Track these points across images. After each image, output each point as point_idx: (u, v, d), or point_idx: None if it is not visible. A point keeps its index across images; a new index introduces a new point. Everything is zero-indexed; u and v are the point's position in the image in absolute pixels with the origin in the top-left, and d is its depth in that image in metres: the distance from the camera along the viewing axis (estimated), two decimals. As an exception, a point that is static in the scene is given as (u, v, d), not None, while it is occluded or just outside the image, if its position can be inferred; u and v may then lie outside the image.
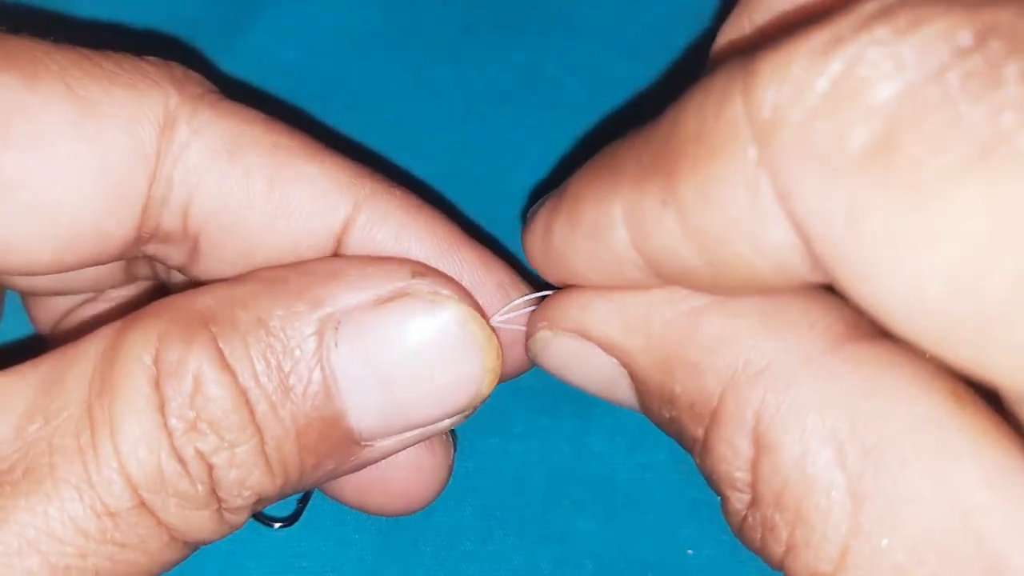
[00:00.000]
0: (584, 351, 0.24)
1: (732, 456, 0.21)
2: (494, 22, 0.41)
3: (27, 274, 0.25)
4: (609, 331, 0.23)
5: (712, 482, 0.22)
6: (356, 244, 0.26)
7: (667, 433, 0.24)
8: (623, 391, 0.24)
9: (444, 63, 0.40)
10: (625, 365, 0.23)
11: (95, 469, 0.21)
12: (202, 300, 0.24)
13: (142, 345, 0.22)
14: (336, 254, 0.26)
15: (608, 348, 0.23)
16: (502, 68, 0.40)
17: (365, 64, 0.40)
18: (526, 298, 0.27)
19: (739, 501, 0.21)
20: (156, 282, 0.31)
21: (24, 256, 0.24)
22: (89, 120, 0.24)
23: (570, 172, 0.38)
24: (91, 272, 0.28)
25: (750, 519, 0.21)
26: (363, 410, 0.24)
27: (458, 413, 0.25)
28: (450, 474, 0.30)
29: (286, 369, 0.23)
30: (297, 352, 0.23)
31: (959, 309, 0.16)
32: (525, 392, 0.34)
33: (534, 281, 0.27)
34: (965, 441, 0.18)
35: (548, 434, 0.33)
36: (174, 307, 0.24)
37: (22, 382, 0.22)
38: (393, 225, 0.26)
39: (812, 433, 0.19)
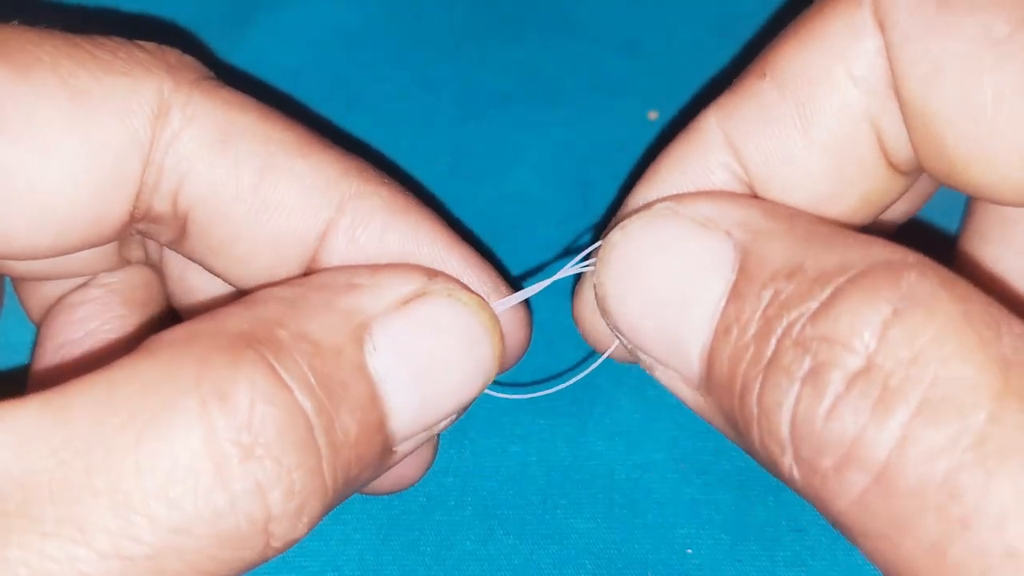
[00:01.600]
0: (700, 237, 0.24)
1: (869, 314, 0.20)
2: (494, 22, 0.41)
3: (26, 259, 0.25)
4: (749, 214, 0.24)
5: (789, 361, 0.21)
6: (340, 245, 0.26)
7: (718, 342, 0.23)
8: (707, 290, 0.23)
9: (444, 63, 0.40)
10: (745, 245, 0.23)
11: (109, 508, 0.19)
12: (232, 323, 0.23)
13: (178, 373, 0.21)
14: (317, 250, 0.26)
15: (737, 227, 0.24)
16: (502, 68, 0.40)
17: (365, 64, 0.40)
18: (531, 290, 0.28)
19: (845, 367, 0.20)
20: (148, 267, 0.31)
21: (23, 243, 0.25)
22: (82, 110, 0.24)
23: (569, 172, 0.38)
24: (85, 256, 0.28)
25: (860, 388, 0.20)
26: (400, 410, 0.24)
27: (470, 401, 0.26)
28: (434, 457, 0.30)
29: (335, 379, 0.22)
30: (343, 362, 0.23)
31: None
32: (524, 393, 0.34)
33: (516, 286, 0.28)
34: None
35: (547, 435, 0.33)
36: (203, 333, 0.22)
37: (22, 410, 0.20)
38: (377, 226, 0.26)
39: (972, 300, 0.20)
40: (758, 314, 0.22)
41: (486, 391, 0.30)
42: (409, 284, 0.25)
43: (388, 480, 0.29)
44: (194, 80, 0.26)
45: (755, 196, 0.26)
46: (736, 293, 0.23)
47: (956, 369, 0.19)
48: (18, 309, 0.32)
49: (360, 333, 0.24)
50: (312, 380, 0.22)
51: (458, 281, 0.27)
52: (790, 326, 0.21)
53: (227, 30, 0.40)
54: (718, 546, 0.32)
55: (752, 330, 0.22)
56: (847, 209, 0.25)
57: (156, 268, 0.31)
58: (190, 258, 0.27)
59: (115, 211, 0.25)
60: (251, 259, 0.26)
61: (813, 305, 0.21)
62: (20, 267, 0.28)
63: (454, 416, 0.26)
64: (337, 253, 0.26)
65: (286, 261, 0.26)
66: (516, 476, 0.33)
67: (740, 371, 0.22)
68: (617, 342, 0.27)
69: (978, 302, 0.20)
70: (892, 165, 0.25)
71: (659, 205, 0.25)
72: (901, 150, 0.24)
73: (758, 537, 0.32)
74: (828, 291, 0.21)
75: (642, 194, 0.27)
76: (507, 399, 0.33)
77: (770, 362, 0.21)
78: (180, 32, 0.39)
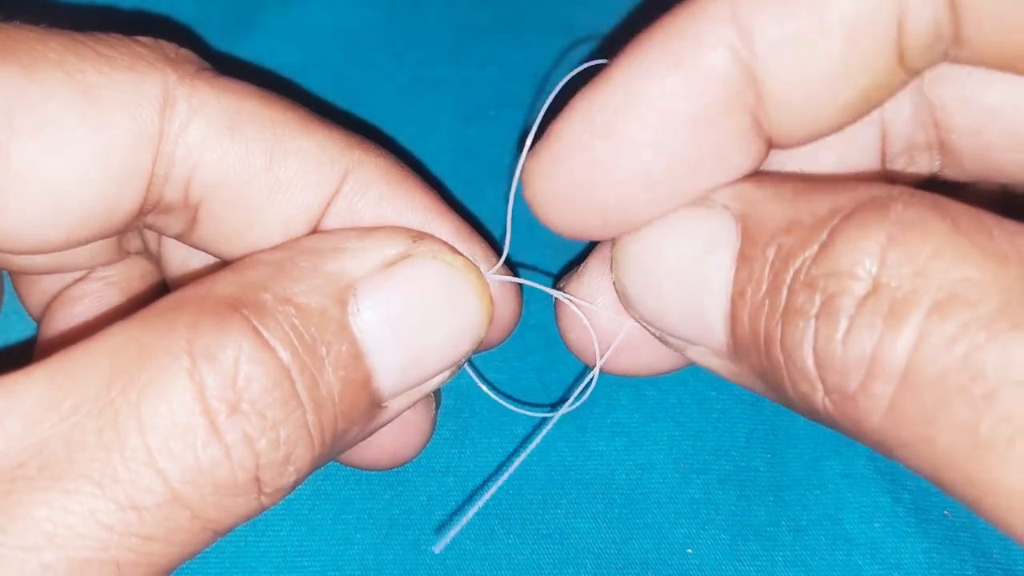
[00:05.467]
0: (698, 214, 0.25)
1: (866, 240, 0.21)
2: (494, 23, 0.41)
3: (38, 252, 0.26)
4: (739, 187, 0.25)
5: (803, 302, 0.22)
6: (338, 211, 0.27)
7: (736, 307, 0.24)
8: (716, 263, 0.24)
9: (445, 64, 0.40)
10: (743, 214, 0.24)
11: (121, 464, 0.21)
12: (220, 288, 0.24)
13: (171, 338, 0.22)
14: (320, 221, 0.27)
15: (732, 199, 0.24)
16: (502, 69, 0.40)
17: (366, 65, 0.40)
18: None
19: (854, 292, 0.21)
20: (147, 260, 0.31)
21: (37, 237, 0.25)
22: (91, 106, 0.24)
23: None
24: (87, 250, 0.29)
25: (870, 307, 0.21)
26: (385, 369, 0.25)
27: (460, 359, 0.27)
28: (433, 429, 0.31)
29: (318, 339, 0.24)
30: (326, 322, 0.24)
31: None
32: (525, 393, 0.34)
33: (506, 259, 0.29)
34: None
35: (548, 435, 0.33)
36: (193, 299, 0.24)
37: (29, 380, 0.22)
38: (373, 194, 0.27)
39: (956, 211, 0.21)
40: (767, 271, 0.23)
41: (502, 404, 0.31)
42: (394, 246, 0.26)
43: (386, 454, 0.30)
44: (195, 71, 0.26)
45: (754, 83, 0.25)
46: (743, 257, 0.24)
47: (959, 272, 0.20)
48: (18, 307, 0.32)
49: (344, 295, 0.25)
50: (294, 341, 0.23)
51: (445, 243, 0.27)
52: (797, 272, 0.22)
53: (229, 31, 0.40)
54: (718, 546, 0.32)
55: (764, 286, 0.23)
56: (845, 101, 0.24)
57: (153, 258, 0.31)
58: (198, 247, 0.28)
59: (127, 203, 0.25)
60: (262, 238, 0.27)
61: (814, 248, 0.22)
62: (21, 261, 0.28)
63: (446, 374, 0.27)
64: (336, 220, 0.27)
65: (294, 235, 0.27)
66: (516, 476, 0.33)
67: (760, 326, 0.23)
68: (603, 359, 0.28)
69: (964, 212, 0.21)
70: (902, 59, 0.24)
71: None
72: (920, 38, 0.23)
73: (758, 537, 0.32)
74: (825, 233, 0.22)
75: (631, 61, 0.26)
76: (507, 399, 0.33)
77: (785, 309, 0.22)
78: (182, 33, 0.39)
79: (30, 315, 0.32)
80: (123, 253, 0.30)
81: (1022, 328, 0.19)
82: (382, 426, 0.27)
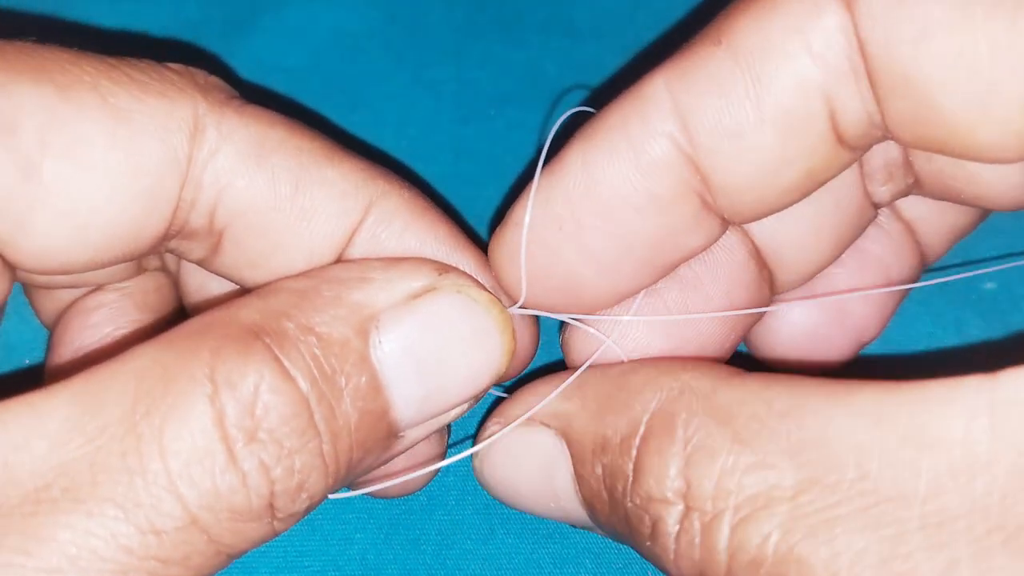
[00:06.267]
0: (528, 437, 0.27)
1: (665, 466, 0.23)
2: (494, 23, 0.41)
3: (62, 273, 0.26)
4: (551, 404, 0.26)
5: (639, 522, 0.24)
6: (362, 241, 0.27)
7: (595, 513, 0.26)
8: (561, 476, 0.26)
9: (444, 63, 0.40)
10: (564, 432, 0.26)
11: (143, 488, 0.21)
12: (245, 314, 0.24)
13: (194, 363, 0.23)
14: (344, 251, 0.27)
15: (551, 418, 0.26)
16: (502, 68, 0.40)
17: (366, 65, 0.40)
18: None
19: (672, 516, 0.23)
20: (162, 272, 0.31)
21: (62, 258, 0.25)
22: (123, 129, 0.25)
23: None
24: (108, 268, 0.28)
25: (687, 527, 0.23)
26: (404, 400, 0.25)
27: (479, 393, 0.27)
28: (442, 460, 0.31)
29: (338, 370, 0.24)
30: (346, 353, 0.24)
31: None
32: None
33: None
34: None
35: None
36: (217, 324, 0.24)
37: (53, 400, 0.22)
38: (397, 225, 0.27)
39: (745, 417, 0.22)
40: (603, 488, 0.25)
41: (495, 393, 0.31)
42: (419, 279, 0.26)
43: (395, 487, 0.30)
44: (224, 99, 0.26)
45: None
46: (579, 475, 0.26)
47: (751, 480, 0.22)
48: (18, 310, 0.32)
49: (366, 326, 0.25)
50: (314, 371, 0.23)
51: (470, 277, 0.27)
52: (624, 494, 0.24)
53: (229, 33, 0.40)
54: (718, 545, 0.32)
55: (607, 500, 0.25)
56: (789, 183, 0.25)
57: (171, 276, 0.31)
58: (219, 273, 0.28)
59: (153, 226, 0.26)
60: (285, 266, 0.27)
61: (629, 472, 0.24)
62: (42, 280, 0.29)
63: (465, 407, 0.27)
64: (360, 251, 0.27)
65: (317, 264, 0.27)
66: (517, 476, 0.33)
67: (621, 533, 0.25)
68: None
69: (744, 414, 0.22)
70: (841, 142, 0.24)
71: (489, 424, 0.28)
72: (855, 126, 0.24)
73: (758, 536, 0.32)
74: (632, 458, 0.24)
75: (582, 152, 0.26)
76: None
77: (630, 529, 0.24)
78: (182, 36, 0.39)
79: (42, 322, 0.32)
80: (141, 270, 0.30)
81: (829, 521, 0.20)
82: (397, 455, 0.27)
